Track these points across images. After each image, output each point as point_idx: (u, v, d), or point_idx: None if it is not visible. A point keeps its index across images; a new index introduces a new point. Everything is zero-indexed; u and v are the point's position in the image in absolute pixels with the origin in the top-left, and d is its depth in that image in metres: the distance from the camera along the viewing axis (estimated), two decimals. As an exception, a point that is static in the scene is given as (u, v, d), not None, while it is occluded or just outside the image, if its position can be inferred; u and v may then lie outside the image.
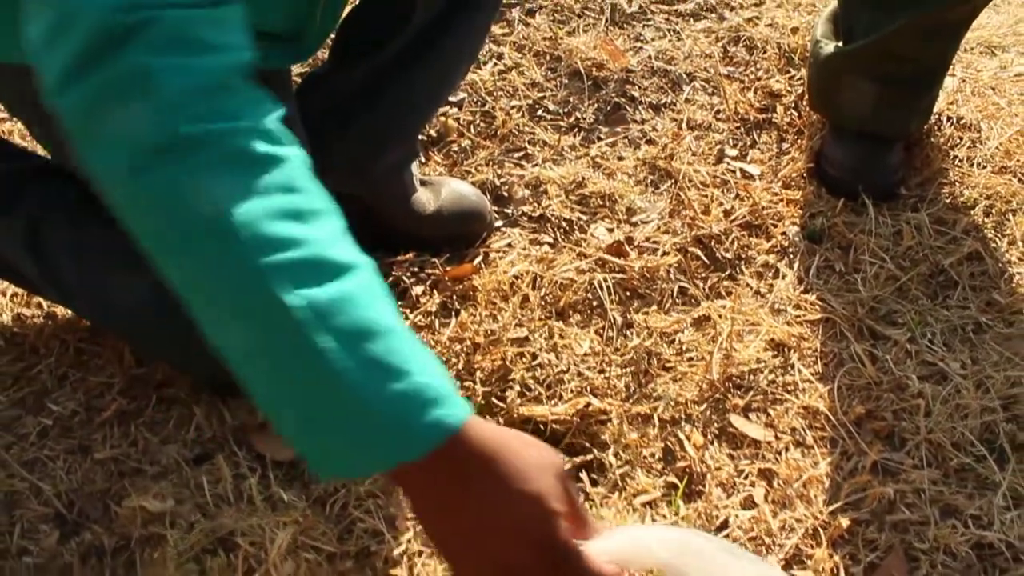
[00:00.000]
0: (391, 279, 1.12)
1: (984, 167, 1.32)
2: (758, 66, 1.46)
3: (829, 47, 1.29)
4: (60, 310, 1.07)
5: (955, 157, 1.34)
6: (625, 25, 1.51)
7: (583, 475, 0.98)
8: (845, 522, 0.93)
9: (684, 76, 1.43)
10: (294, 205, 0.56)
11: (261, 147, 0.56)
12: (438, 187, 1.18)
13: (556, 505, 0.58)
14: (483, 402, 1.02)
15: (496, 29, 1.46)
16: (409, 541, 0.90)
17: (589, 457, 1.00)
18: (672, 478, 0.98)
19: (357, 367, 0.54)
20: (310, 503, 0.91)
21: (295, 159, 0.58)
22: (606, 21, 1.51)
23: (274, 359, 0.55)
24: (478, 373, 1.04)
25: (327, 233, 0.57)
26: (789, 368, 1.07)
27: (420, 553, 0.90)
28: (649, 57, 1.45)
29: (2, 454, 0.95)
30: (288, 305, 0.53)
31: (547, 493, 0.58)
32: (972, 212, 1.26)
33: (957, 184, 1.30)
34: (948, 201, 1.27)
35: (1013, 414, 1.03)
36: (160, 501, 0.89)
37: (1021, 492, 0.96)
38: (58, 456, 0.95)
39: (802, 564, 0.92)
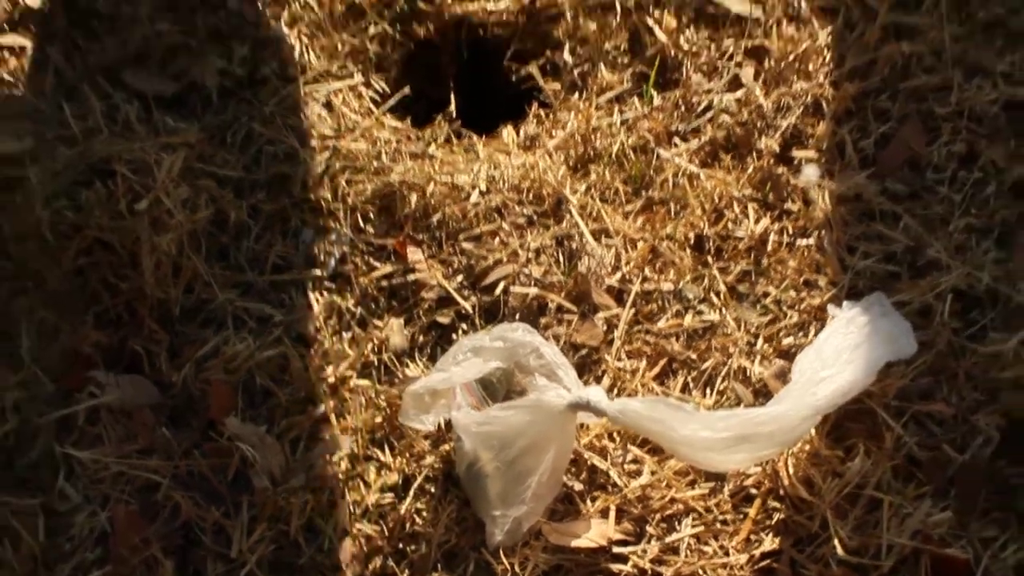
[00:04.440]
0: None
1: None
2: None
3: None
4: None
5: None
6: None
7: (537, 76, 0.82)
8: (851, 90, 0.77)
9: None
10: None
11: None
12: None
13: None
14: (406, 7, 0.84)
15: None
16: (329, 158, 0.74)
17: (542, 61, 0.83)
18: (642, 68, 0.81)
19: None
20: (203, 128, 0.75)
21: None
22: None
23: None
24: (397, -22, 0.85)
25: None
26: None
27: (344, 169, 0.74)
28: None
29: None
30: None
31: None
32: None
33: None
34: None
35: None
36: (16, 140, 0.72)
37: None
38: None
39: (802, 144, 0.77)
